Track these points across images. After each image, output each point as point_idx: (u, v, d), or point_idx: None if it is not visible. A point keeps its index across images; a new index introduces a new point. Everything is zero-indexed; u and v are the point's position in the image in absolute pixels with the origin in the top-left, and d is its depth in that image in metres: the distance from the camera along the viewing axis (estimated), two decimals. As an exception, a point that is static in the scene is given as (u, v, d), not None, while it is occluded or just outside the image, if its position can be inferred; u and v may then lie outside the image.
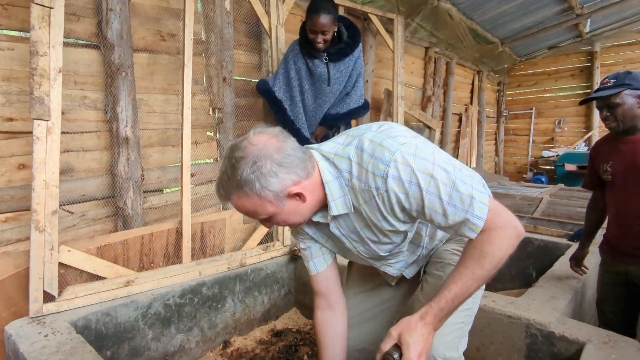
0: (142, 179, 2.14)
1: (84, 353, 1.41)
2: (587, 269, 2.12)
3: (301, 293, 2.61)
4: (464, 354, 1.14)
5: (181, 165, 2.12)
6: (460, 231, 0.91)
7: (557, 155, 6.95)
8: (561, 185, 5.52)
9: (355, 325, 1.28)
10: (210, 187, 2.63)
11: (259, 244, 2.56)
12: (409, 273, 1.22)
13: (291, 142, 0.93)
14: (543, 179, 6.96)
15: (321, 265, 1.15)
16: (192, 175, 2.29)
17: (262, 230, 2.58)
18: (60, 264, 1.72)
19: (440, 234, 1.19)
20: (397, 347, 0.86)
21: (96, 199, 2.08)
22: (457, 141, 6.35)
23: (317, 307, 1.19)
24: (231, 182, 0.89)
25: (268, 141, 0.89)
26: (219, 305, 2.24)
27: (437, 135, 5.16)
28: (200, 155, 2.58)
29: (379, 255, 1.10)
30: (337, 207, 0.96)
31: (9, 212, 1.81)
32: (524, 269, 3.03)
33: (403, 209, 0.92)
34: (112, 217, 2.13)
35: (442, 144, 5.84)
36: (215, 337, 2.24)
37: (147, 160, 2.25)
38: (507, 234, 0.87)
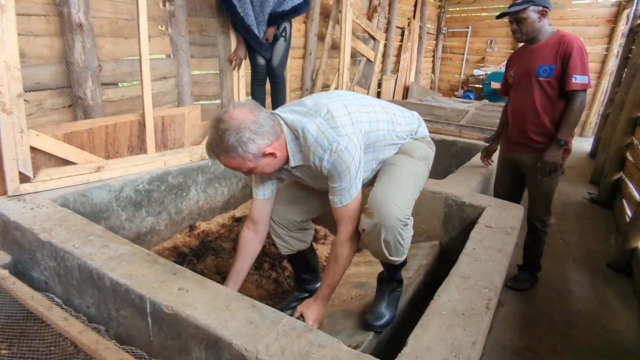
0: (99, 70, 2.13)
1: (76, 219, 1.58)
2: (492, 162, 2.60)
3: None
4: None
5: (140, 57, 2.13)
6: (332, 199, 1.31)
7: (486, 74, 7.53)
8: (486, 101, 6.13)
9: (298, 204, 1.62)
10: (164, 84, 2.65)
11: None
12: None
13: (263, 112, 1.20)
14: (471, 96, 7.59)
15: (264, 195, 1.47)
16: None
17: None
18: (31, 148, 1.77)
19: (376, 165, 1.47)
20: (302, 316, 1.39)
21: (51, 89, 2.06)
22: (398, 55, 6.58)
23: (246, 226, 1.53)
24: (220, 148, 1.16)
25: (245, 115, 1.15)
26: (184, 194, 2.45)
27: (381, 47, 5.32)
28: (152, 50, 2.53)
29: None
30: (294, 160, 1.30)
31: (-38, 97, 1.76)
32: (448, 166, 3.56)
33: (325, 176, 1.29)
34: (70, 108, 2.14)
35: (384, 57, 6.04)
36: (181, 222, 2.48)
37: (100, 51, 2.20)
38: (350, 244, 1.34)
